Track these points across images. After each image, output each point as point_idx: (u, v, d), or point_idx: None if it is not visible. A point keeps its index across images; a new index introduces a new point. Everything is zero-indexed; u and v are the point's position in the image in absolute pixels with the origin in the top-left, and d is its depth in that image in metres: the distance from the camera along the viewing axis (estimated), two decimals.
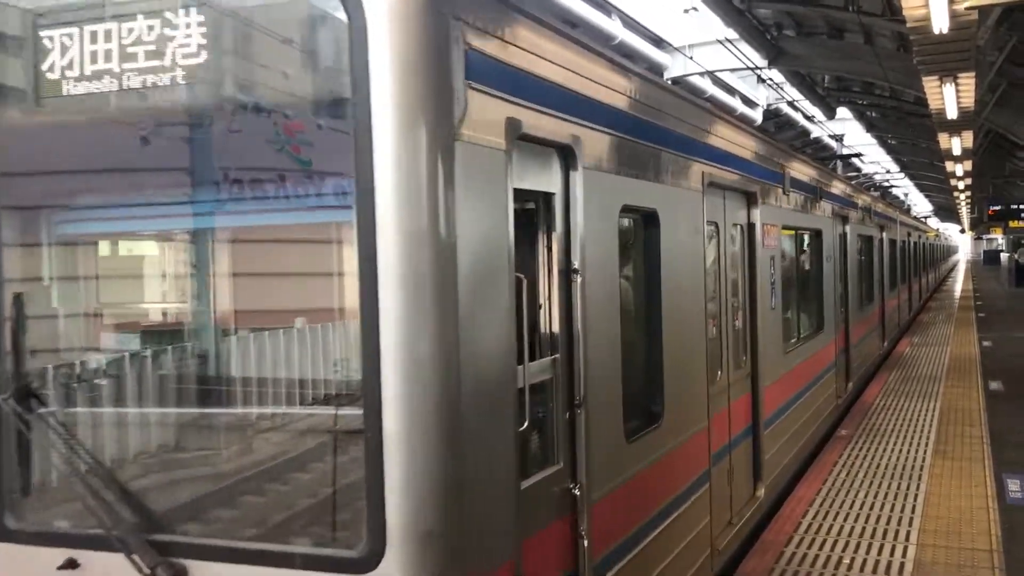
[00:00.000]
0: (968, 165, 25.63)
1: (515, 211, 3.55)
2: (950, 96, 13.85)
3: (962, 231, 78.52)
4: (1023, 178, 38.51)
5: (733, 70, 20.62)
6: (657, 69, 18.00)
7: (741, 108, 22.42)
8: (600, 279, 4.27)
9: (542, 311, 3.96)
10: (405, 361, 2.95)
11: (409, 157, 2.97)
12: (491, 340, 3.31)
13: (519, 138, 3.56)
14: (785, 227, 8.66)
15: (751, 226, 7.34)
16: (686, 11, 17.50)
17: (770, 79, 22.91)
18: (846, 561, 6.33)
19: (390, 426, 2.96)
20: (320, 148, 3.27)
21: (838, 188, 12.46)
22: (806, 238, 10.49)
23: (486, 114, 3.32)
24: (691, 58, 18.90)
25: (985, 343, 18.92)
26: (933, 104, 14.76)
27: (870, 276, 15.88)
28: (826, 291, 10.91)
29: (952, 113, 15.23)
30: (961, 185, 34.07)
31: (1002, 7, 11.06)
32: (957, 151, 21.21)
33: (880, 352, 16.67)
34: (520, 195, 3.69)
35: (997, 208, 36.81)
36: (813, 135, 31.42)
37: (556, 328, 3.97)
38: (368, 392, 2.98)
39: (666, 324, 5.21)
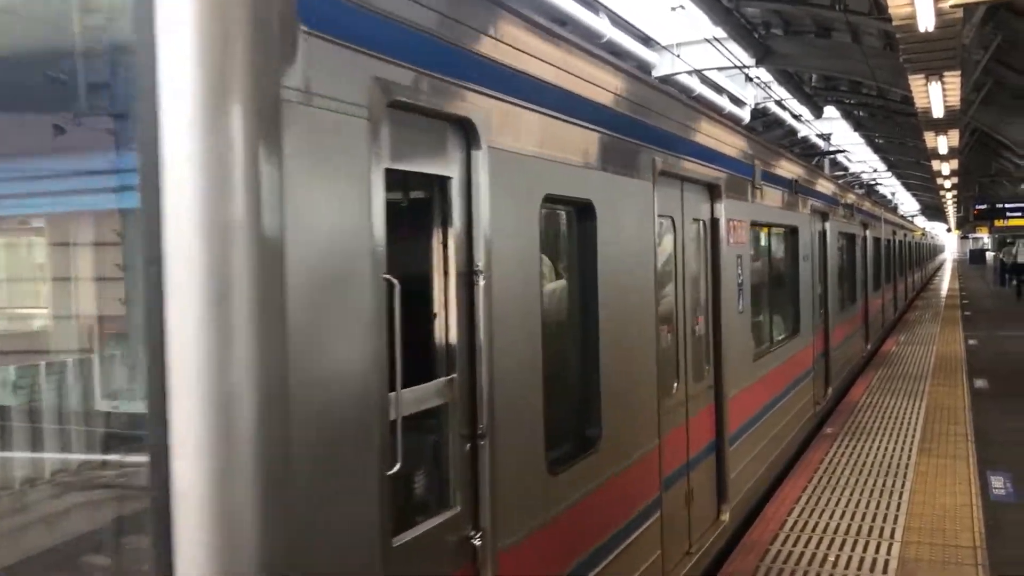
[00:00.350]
0: (954, 164, 25.75)
1: (398, 199, 2.98)
2: (936, 95, 13.90)
3: (948, 230, 78.92)
4: (1009, 177, 38.73)
5: (721, 69, 20.65)
6: (645, 67, 18.00)
7: (729, 107, 22.45)
8: (514, 281, 3.59)
9: (437, 322, 3.25)
10: (206, 392, 2.20)
11: (211, 124, 2.22)
12: (344, 362, 2.58)
13: (395, 106, 2.85)
14: (756, 223, 8.09)
15: (715, 222, 6.71)
16: (673, 9, 17.50)
17: (758, 77, 22.95)
18: (831, 559, 6.33)
19: (184, 480, 2.18)
20: (96, 113, 2.50)
21: (817, 183, 11.93)
22: (781, 236, 10.01)
23: (336, 70, 2.60)
24: (679, 56, 18.91)
25: (971, 341, 19.00)
26: (919, 103, 14.81)
27: (852, 276, 15.34)
28: (803, 292, 10.28)
29: (938, 112, 15.29)
30: (947, 184, 34.24)
31: (987, 5, 11.10)
32: (943, 150, 21.30)
33: (863, 354, 16.37)
34: (403, 179, 3.07)
35: (983, 207, 37.00)
36: (801, 134, 31.54)
37: (453, 342, 3.25)
38: (153, 433, 2.21)
39: (604, 333, 4.50)
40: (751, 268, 7.91)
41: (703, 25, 17.65)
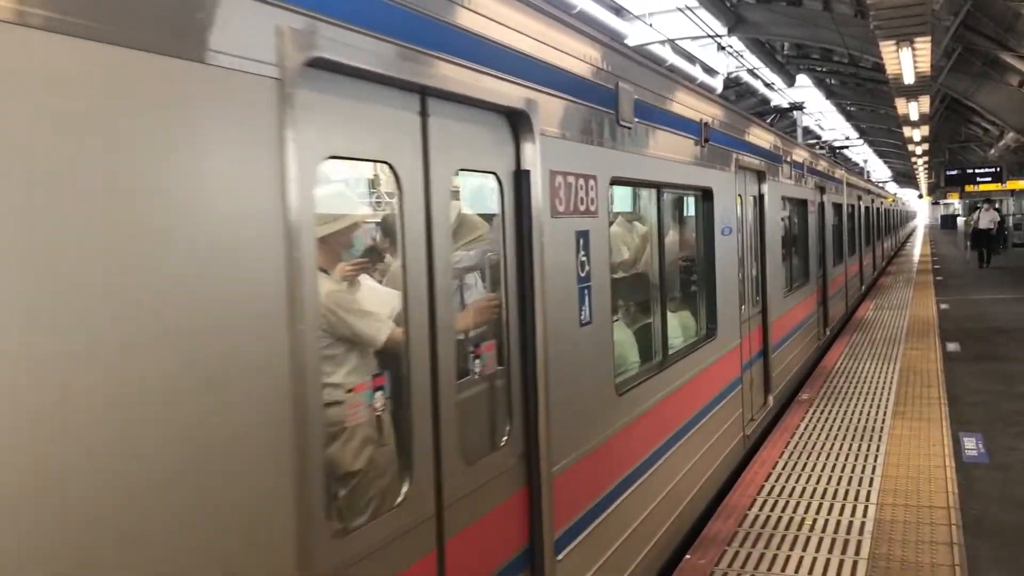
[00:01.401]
0: (925, 130, 25.94)
1: None
2: (907, 61, 13.97)
3: (920, 196, 79.66)
4: (978, 142, 39.10)
5: (693, 38, 20.61)
6: (617, 37, 17.92)
7: (702, 76, 22.43)
8: None
9: None
10: None
11: None
12: None
13: None
14: (623, 181, 5.45)
15: (522, 176, 3.85)
16: None
17: (730, 46, 22.94)
18: (808, 522, 6.41)
19: None
20: None
21: (746, 133, 8.78)
22: (682, 201, 7.36)
23: None
24: (651, 26, 18.86)
25: (943, 306, 19.22)
26: (890, 69, 14.88)
27: (804, 251, 12.71)
28: (722, 277, 7.43)
29: (909, 78, 15.38)
30: (919, 151, 34.52)
31: None
32: (914, 116, 21.46)
33: (819, 344, 13.74)
34: None
35: (953, 173, 37.40)
36: (773, 103, 31.66)
37: None
38: None
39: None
40: (622, 250, 5.80)
41: None
